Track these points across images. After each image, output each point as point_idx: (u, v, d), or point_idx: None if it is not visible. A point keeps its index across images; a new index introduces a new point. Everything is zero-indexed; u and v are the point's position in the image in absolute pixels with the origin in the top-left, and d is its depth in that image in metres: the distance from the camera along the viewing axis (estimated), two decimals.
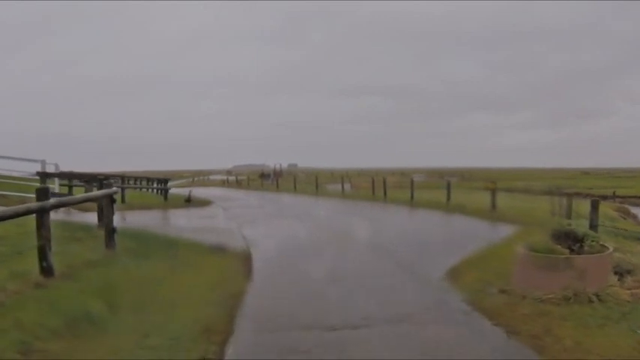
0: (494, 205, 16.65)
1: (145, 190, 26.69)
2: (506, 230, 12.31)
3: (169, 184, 25.68)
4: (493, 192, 16.85)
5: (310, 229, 13.54)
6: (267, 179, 53.12)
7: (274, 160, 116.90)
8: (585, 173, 75.64)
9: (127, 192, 22.44)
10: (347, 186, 33.15)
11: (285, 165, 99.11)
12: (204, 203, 23.61)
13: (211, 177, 74.26)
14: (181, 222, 15.50)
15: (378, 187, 26.15)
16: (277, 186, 40.32)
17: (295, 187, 36.45)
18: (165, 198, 20.99)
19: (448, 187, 19.22)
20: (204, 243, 10.24)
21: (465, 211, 16.77)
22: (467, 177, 60.66)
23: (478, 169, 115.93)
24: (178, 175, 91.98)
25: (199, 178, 69.41)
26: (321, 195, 30.12)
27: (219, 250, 9.70)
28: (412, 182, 22.22)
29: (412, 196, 21.61)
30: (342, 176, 34.56)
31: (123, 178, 20.62)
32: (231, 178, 58.81)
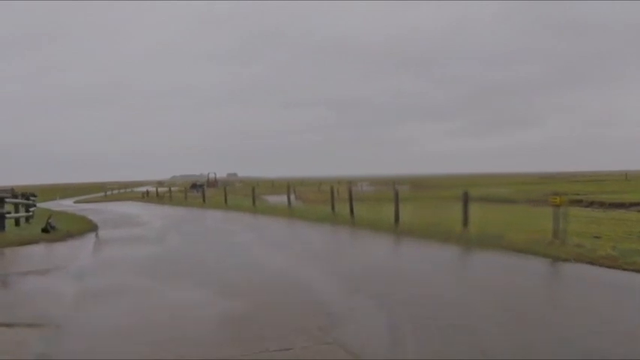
0: (560, 232, 9.60)
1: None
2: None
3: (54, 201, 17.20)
4: (558, 208, 9.75)
5: (243, 310, 5.78)
6: (196, 191, 44.82)
7: (212, 169, 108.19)
8: (550, 177, 71.68)
9: None
10: (292, 197, 25.55)
11: (223, 174, 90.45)
12: (82, 230, 15.42)
13: (136, 189, 64.61)
14: None
15: (335, 199, 18.95)
16: (204, 199, 32.05)
17: (226, 201, 28.48)
18: (2, 228, 12.72)
19: (465, 201, 11.84)
20: None
21: (515, 247, 9.64)
22: (417, 185, 54.08)
23: (418, 176, 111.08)
24: (99, 187, 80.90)
25: (118, 191, 59.48)
26: (260, 212, 22.25)
27: None
28: (397, 195, 14.67)
29: (397, 218, 14.26)
30: (288, 186, 26.92)
31: None
32: (152, 190, 49.69)
